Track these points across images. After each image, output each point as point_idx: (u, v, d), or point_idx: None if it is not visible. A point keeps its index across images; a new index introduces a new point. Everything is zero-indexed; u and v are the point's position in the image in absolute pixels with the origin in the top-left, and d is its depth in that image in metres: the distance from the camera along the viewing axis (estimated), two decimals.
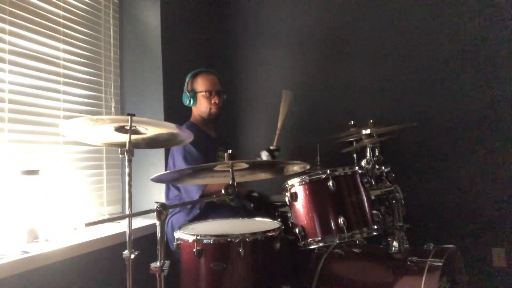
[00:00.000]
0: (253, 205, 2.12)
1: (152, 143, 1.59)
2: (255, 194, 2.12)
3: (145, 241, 1.80)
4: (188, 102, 2.23)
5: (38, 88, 1.90)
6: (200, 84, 2.22)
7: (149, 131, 1.46)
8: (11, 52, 1.76)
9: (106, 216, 2.25)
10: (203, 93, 2.20)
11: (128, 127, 1.35)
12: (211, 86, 2.21)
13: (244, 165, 1.41)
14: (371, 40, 2.75)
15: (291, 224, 1.70)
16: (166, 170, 2.27)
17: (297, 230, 1.64)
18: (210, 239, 1.45)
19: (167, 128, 1.53)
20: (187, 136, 1.56)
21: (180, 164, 2.06)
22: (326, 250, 1.78)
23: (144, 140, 1.53)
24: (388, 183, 1.78)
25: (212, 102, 2.20)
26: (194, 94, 2.21)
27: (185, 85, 2.25)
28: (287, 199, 1.70)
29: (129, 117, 1.33)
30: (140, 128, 1.43)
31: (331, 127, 2.48)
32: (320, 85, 2.88)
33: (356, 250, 1.80)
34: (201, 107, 2.22)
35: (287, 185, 1.71)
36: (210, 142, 2.23)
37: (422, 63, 2.62)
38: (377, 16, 2.75)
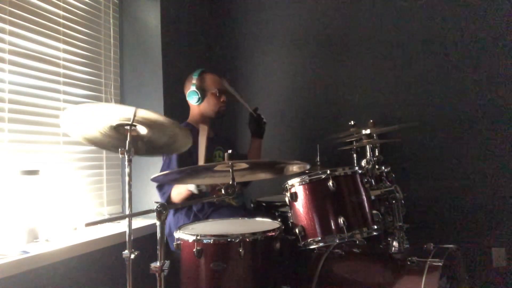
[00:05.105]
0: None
1: (152, 149, 1.59)
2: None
3: (145, 241, 1.81)
4: (197, 100, 2.18)
5: (38, 88, 1.90)
6: (210, 83, 2.21)
7: (149, 131, 1.46)
8: (11, 52, 1.76)
9: (106, 216, 2.25)
10: (214, 92, 2.20)
11: (128, 127, 1.35)
12: (219, 85, 2.22)
13: (244, 165, 1.42)
14: (371, 40, 2.75)
15: (291, 224, 1.70)
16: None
17: (297, 230, 1.64)
18: (210, 239, 1.45)
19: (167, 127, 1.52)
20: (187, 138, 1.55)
21: (168, 165, 2.06)
22: (326, 250, 1.77)
23: (143, 144, 1.52)
24: (388, 183, 1.78)
25: (221, 100, 2.22)
26: (203, 92, 2.19)
27: (193, 82, 2.19)
28: (287, 199, 1.70)
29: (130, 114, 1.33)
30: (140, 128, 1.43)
31: (331, 127, 2.48)
32: (320, 85, 2.88)
33: (356, 250, 1.79)
34: (210, 105, 2.21)
35: (287, 185, 1.70)
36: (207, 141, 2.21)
37: (423, 63, 2.62)
38: (377, 16, 2.74)
